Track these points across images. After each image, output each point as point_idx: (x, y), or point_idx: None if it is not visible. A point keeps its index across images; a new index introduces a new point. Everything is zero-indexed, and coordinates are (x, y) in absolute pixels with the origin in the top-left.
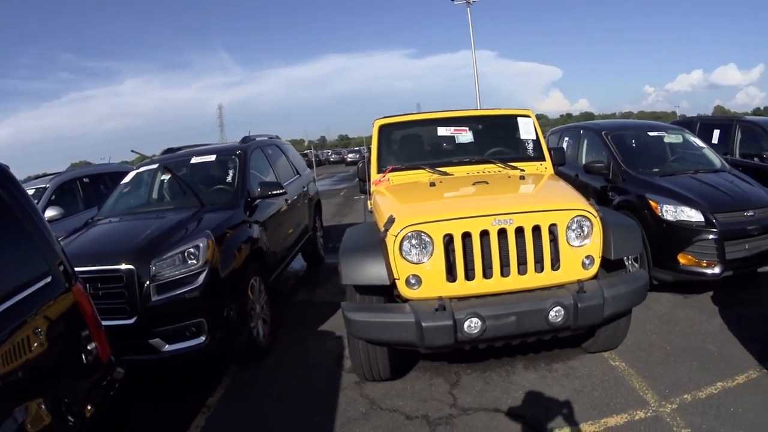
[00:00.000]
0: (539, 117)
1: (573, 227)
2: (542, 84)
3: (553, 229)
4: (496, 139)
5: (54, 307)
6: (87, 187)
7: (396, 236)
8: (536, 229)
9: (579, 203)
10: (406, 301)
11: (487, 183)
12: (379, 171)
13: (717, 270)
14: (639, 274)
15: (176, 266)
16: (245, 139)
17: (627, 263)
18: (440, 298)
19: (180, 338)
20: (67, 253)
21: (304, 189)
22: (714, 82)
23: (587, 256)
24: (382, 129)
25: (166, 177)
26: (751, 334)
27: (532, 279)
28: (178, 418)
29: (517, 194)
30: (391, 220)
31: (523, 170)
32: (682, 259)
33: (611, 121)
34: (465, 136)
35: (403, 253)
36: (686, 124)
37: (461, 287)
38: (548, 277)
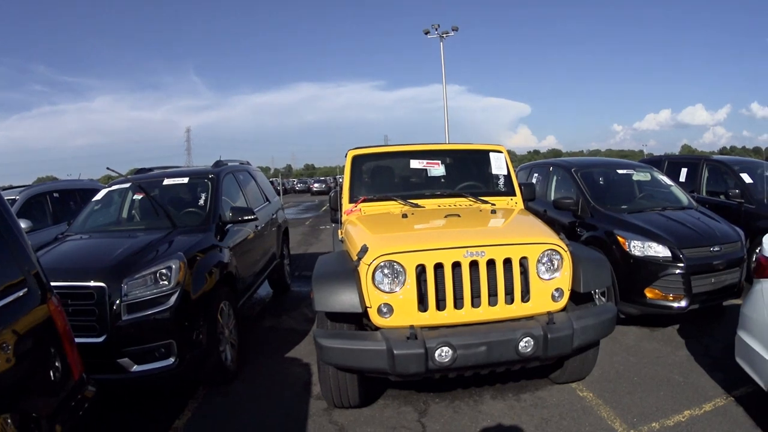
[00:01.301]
0: (508, 153)
1: (543, 260)
2: (510, 120)
3: (523, 262)
4: (468, 173)
5: (28, 320)
6: (57, 202)
7: (369, 265)
8: (507, 262)
9: (550, 237)
10: (377, 329)
11: (459, 216)
12: (351, 201)
13: (683, 303)
14: (607, 307)
15: (148, 286)
16: (218, 164)
17: (595, 297)
18: (411, 327)
19: (149, 359)
20: (52, 264)
21: (273, 216)
22: (682, 121)
23: (557, 289)
24: (356, 159)
25: (138, 197)
26: (717, 364)
27: (502, 310)
28: None
29: (488, 227)
30: (364, 249)
31: (494, 204)
32: (649, 293)
33: (581, 159)
34: (437, 169)
35: (376, 282)
36: (654, 162)
37: (432, 317)
38: (518, 309)
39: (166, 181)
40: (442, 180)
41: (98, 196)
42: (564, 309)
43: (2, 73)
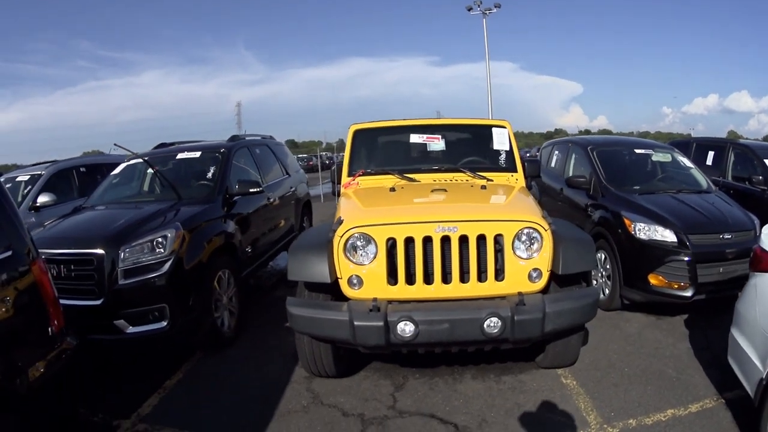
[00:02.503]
0: (558, 132)
1: (522, 239)
2: (562, 99)
3: (499, 240)
4: (469, 148)
5: (11, 278)
6: (83, 177)
7: (341, 237)
8: (481, 239)
9: (529, 215)
10: (347, 300)
11: (446, 191)
12: (350, 174)
13: (688, 293)
14: (589, 291)
15: (144, 253)
16: (233, 138)
17: (599, 280)
18: (375, 300)
19: (143, 321)
20: (51, 235)
21: (292, 189)
22: (728, 107)
23: (535, 269)
24: (357, 134)
25: (151, 171)
26: (716, 361)
27: (473, 288)
28: (134, 395)
29: (469, 203)
30: (339, 221)
31: (491, 180)
32: (653, 280)
33: (600, 137)
34: (437, 144)
35: (347, 254)
36: (683, 144)
37: (401, 291)
38: (491, 288)
39: (180, 156)
40: (442, 155)
41: (116, 170)
42: (545, 291)
43: (45, 50)
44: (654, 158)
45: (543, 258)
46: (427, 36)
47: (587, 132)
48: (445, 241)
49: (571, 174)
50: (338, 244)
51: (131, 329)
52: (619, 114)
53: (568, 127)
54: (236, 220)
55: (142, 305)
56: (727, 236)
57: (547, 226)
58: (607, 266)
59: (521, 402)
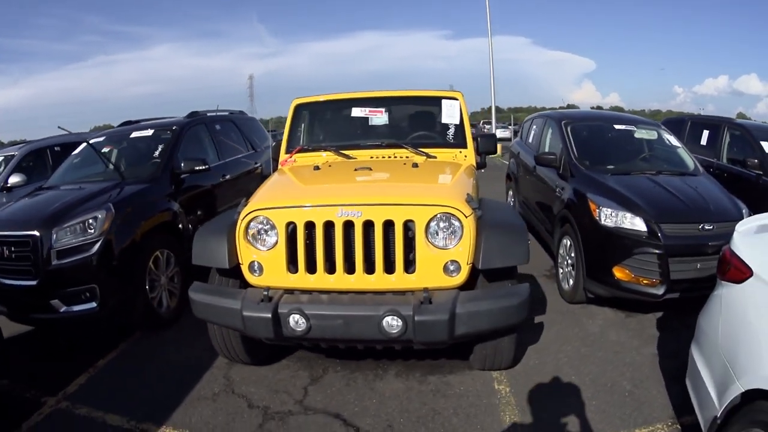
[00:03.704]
0: (570, 108)
1: (438, 226)
2: (575, 75)
3: (410, 226)
4: (415, 122)
5: None
6: (57, 156)
7: (242, 220)
8: (390, 225)
9: (446, 199)
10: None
11: (371, 170)
12: (287, 151)
13: (658, 291)
14: (516, 290)
15: (76, 234)
16: (191, 114)
17: (564, 269)
18: (268, 289)
19: (75, 301)
20: (3, 216)
21: (258, 165)
22: (737, 89)
23: (452, 262)
24: (298, 108)
25: (106, 150)
26: (681, 374)
27: (379, 280)
28: (67, 373)
29: (385, 184)
30: (243, 203)
31: (434, 157)
32: (618, 273)
33: (580, 111)
34: (380, 117)
35: (248, 238)
36: (677, 122)
37: (300, 280)
38: (400, 281)
39: (134, 134)
40: (386, 129)
41: (77, 150)
42: (470, 287)
43: (53, 25)
44: (637, 135)
45: (462, 249)
46: (439, 9)
47: (599, 108)
48: (349, 226)
49: (547, 150)
50: (239, 227)
51: (64, 309)
52: (631, 92)
53: (580, 104)
54: (184, 198)
55: (74, 286)
56: (707, 227)
57: (468, 212)
58: (572, 254)
59: (439, 408)
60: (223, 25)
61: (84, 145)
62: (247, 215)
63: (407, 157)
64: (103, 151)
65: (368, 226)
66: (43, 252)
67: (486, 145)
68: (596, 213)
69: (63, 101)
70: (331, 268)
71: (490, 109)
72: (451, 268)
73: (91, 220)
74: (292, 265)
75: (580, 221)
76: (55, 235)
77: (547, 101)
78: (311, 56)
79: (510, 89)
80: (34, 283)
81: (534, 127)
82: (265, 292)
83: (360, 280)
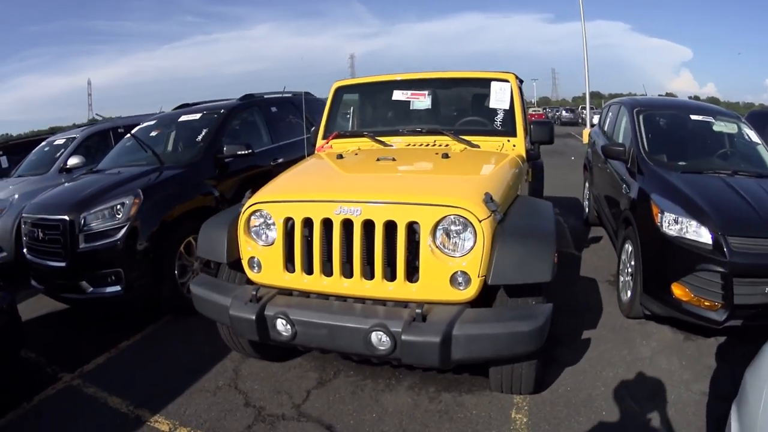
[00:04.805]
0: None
1: (446, 230)
2: (673, 63)
3: (416, 228)
4: (461, 106)
5: None
6: (120, 138)
7: (243, 213)
8: (392, 226)
9: (457, 199)
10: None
11: (393, 160)
12: (324, 137)
13: (719, 316)
14: (532, 313)
15: (104, 219)
16: (245, 97)
17: (624, 278)
18: (258, 288)
19: (102, 284)
20: (41, 201)
21: None
22: None
23: (461, 272)
24: (338, 91)
25: (155, 133)
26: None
27: (376, 288)
28: (87, 352)
29: (397, 177)
30: (248, 196)
31: (477, 146)
32: (677, 291)
33: (652, 98)
34: (422, 101)
35: (250, 232)
36: (762, 116)
37: (295, 281)
38: (400, 290)
39: (182, 118)
40: (429, 114)
41: (128, 135)
42: (484, 303)
43: (150, 7)
44: (715, 128)
45: (473, 259)
46: None
47: (696, 99)
48: (349, 226)
49: (620, 140)
50: (241, 221)
51: (92, 290)
52: (728, 83)
53: (678, 92)
54: (229, 183)
55: (100, 269)
56: None
57: (483, 215)
58: (632, 262)
59: None
60: (324, 5)
61: (136, 129)
62: (247, 209)
63: (446, 145)
64: (151, 134)
65: (369, 226)
66: (72, 235)
67: (539, 134)
68: (658, 218)
69: (161, 79)
70: (328, 270)
71: (593, 94)
72: (459, 279)
73: (118, 206)
74: (289, 263)
75: (642, 226)
76: (83, 220)
77: (647, 88)
78: (413, 36)
79: (610, 75)
80: (63, 264)
81: (610, 114)
82: (254, 292)
83: (355, 286)
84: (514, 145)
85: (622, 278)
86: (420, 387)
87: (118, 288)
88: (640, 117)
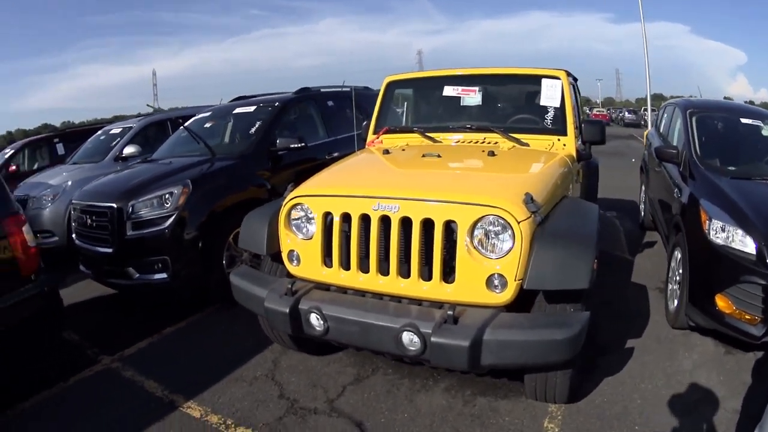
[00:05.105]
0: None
1: (484, 230)
2: (729, 66)
3: (453, 228)
4: (511, 103)
5: None
6: (177, 128)
7: (284, 206)
8: (429, 224)
9: (496, 198)
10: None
11: (439, 156)
12: (375, 132)
13: (757, 330)
14: (567, 321)
15: (152, 208)
16: (301, 90)
17: (672, 286)
18: (294, 281)
19: (148, 270)
20: (92, 188)
21: None
22: None
23: (498, 275)
24: (390, 86)
25: (209, 125)
26: None
27: (411, 287)
28: (131, 337)
29: (439, 174)
30: (290, 189)
31: (526, 144)
32: (720, 302)
33: (706, 100)
34: (472, 98)
35: (290, 226)
36: None
37: (333, 276)
38: (436, 290)
39: (236, 110)
40: (478, 111)
41: (186, 124)
42: (521, 308)
43: (216, 0)
44: (764, 132)
45: (510, 261)
46: None
47: (751, 104)
48: (387, 222)
49: (674, 143)
50: (282, 214)
51: (137, 276)
52: None
53: (735, 96)
54: (282, 175)
55: (147, 256)
56: None
57: (522, 216)
58: (680, 270)
59: None
60: (391, 0)
61: (191, 120)
62: (288, 202)
63: (495, 143)
64: (206, 126)
65: (406, 223)
66: (120, 223)
67: (591, 134)
68: (706, 225)
69: (225, 72)
70: (365, 267)
71: (655, 95)
72: (496, 282)
73: (167, 195)
74: (327, 258)
75: (690, 232)
76: (131, 208)
77: (706, 93)
78: (479, 33)
79: (672, 77)
80: (110, 250)
81: (665, 115)
82: (289, 285)
83: (391, 284)
84: (564, 144)
85: (670, 286)
86: (456, 389)
87: (164, 275)
88: (693, 119)
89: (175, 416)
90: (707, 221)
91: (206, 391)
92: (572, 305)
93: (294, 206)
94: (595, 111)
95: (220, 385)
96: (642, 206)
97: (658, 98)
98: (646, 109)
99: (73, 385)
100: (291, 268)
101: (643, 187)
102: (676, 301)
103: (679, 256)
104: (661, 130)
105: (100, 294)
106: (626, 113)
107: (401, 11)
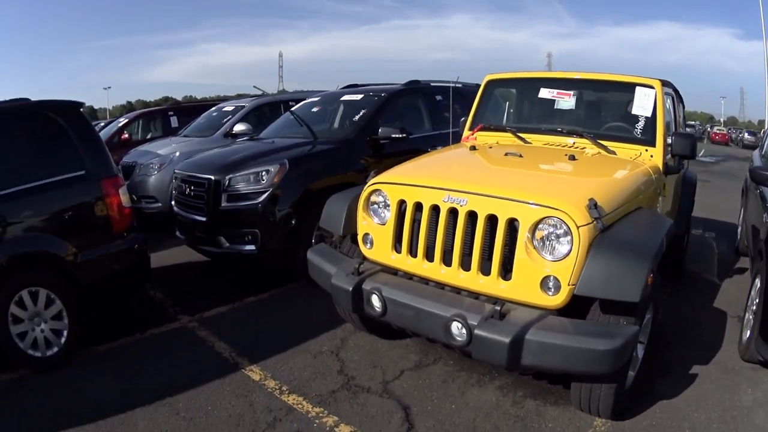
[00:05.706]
0: None
1: (545, 231)
2: None
3: (516, 225)
4: (603, 110)
5: (82, 191)
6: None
7: (364, 191)
8: (493, 220)
9: (558, 201)
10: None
11: (521, 157)
12: (471, 128)
13: None
14: (611, 333)
15: (248, 183)
16: (410, 83)
17: (747, 316)
18: (362, 262)
19: (238, 241)
20: (195, 160)
21: None
22: None
23: (553, 277)
24: (489, 84)
25: (316, 109)
26: None
27: (471, 279)
28: (214, 302)
29: (511, 172)
30: (372, 175)
31: (613, 152)
32: None
33: None
34: (567, 101)
35: (368, 210)
36: None
37: (401, 261)
38: (491, 285)
39: (344, 98)
40: (572, 115)
41: (295, 107)
42: (575, 314)
43: None
44: None
45: (566, 265)
46: (733, 6)
47: None
48: (454, 214)
49: None
50: (361, 198)
51: (227, 245)
52: None
53: None
54: (383, 163)
55: (238, 227)
56: None
57: (583, 221)
58: (757, 300)
59: None
60: (524, 1)
61: (300, 104)
62: (368, 188)
63: (583, 148)
64: (313, 110)
65: (473, 217)
66: (216, 194)
67: (681, 147)
68: None
69: (352, 59)
70: (431, 256)
71: None
72: (550, 284)
73: (263, 172)
74: (398, 243)
75: None
76: (228, 181)
77: None
78: (609, 40)
79: None
80: (204, 219)
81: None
82: (356, 266)
83: (452, 275)
84: (651, 155)
85: (747, 315)
86: (509, 389)
87: (253, 247)
88: None
89: (235, 376)
90: None
91: (271, 358)
92: (625, 318)
93: (373, 192)
94: (715, 129)
95: (285, 355)
96: (739, 229)
97: None
98: (765, 132)
99: (148, 337)
100: (364, 250)
101: (742, 210)
102: (749, 332)
103: (759, 284)
104: (764, 152)
105: (194, 260)
106: (746, 134)
107: (532, 12)
